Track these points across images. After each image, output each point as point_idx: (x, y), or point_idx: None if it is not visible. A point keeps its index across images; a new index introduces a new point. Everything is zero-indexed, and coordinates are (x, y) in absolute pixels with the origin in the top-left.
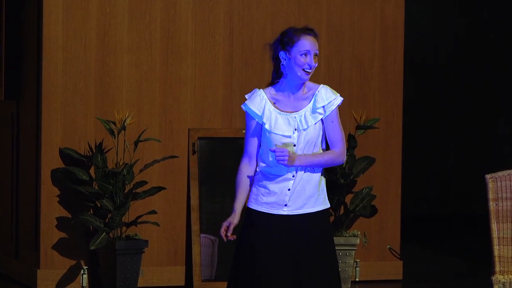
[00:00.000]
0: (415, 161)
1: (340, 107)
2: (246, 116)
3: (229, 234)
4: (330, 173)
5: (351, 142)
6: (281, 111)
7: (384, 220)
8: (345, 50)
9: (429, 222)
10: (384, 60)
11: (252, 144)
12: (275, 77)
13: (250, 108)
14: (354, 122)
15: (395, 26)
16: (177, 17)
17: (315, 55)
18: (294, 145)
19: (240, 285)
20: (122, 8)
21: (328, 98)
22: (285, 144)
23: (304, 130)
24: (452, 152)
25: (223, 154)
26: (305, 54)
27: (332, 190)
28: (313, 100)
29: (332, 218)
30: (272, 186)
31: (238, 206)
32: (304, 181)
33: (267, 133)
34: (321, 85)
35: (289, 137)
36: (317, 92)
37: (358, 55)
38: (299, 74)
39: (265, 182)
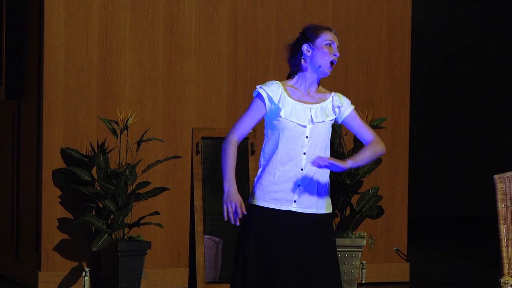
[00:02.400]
0: (423, 161)
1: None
2: (255, 98)
3: (243, 210)
4: (336, 173)
5: (357, 142)
6: (297, 100)
7: (391, 221)
8: (351, 48)
9: (437, 223)
10: (391, 59)
11: (247, 125)
12: (293, 72)
13: (266, 91)
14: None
15: (402, 24)
16: (181, 15)
17: (338, 47)
18: (307, 137)
19: (249, 284)
20: (124, 5)
21: (345, 100)
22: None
23: (320, 123)
24: (460, 152)
25: None
26: (330, 45)
27: (338, 191)
28: (330, 99)
29: (338, 219)
30: (281, 181)
31: (232, 173)
32: (313, 176)
33: (279, 121)
34: (335, 92)
35: (304, 126)
36: (333, 95)
37: (364, 53)
38: (324, 64)
39: (272, 178)
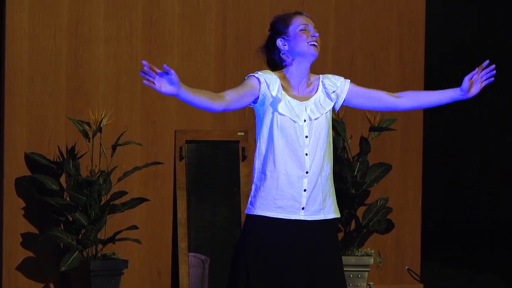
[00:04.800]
0: (437, 168)
1: (350, 107)
2: (249, 78)
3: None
4: (339, 182)
5: (363, 146)
6: (292, 96)
7: (402, 236)
8: (357, 40)
9: (454, 238)
10: (402, 52)
11: (237, 93)
12: (278, 69)
13: (264, 77)
14: (367, 123)
15: (415, 12)
16: (162, 1)
17: (314, 28)
18: (306, 137)
19: None
20: None
21: (337, 79)
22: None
23: (316, 119)
24: (478, 158)
25: (215, 160)
26: (305, 29)
27: (342, 202)
28: (320, 87)
29: (341, 234)
30: (286, 186)
31: (185, 86)
32: (318, 178)
33: (277, 118)
34: (323, 75)
35: (301, 126)
36: (321, 80)
37: (372, 46)
38: (305, 49)
39: (276, 183)
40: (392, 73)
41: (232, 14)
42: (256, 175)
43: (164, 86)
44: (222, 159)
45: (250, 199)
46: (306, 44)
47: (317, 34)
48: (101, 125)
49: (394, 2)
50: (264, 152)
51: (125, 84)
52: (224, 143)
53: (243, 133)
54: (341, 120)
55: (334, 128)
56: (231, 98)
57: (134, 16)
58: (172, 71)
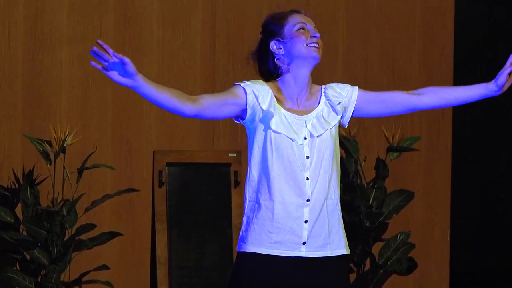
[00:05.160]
0: (468, 195)
1: (365, 122)
2: (234, 87)
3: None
4: (351, 212)
5: (380, 169)
6: (288, 110)
7: (426, 278)
8: (372, 42)
9: (488, 278)
10: (426, 55)
11: (215, 99)
12: (273, 78)
13: (252, 88)
14: (385, 142)
15: (442, 7)
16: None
17: (315, 28)
18: (307, 157)
19: None
20: None
21: (342, 88)
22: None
23: (318, 136)
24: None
25: (201, 186)
26: (302, 28)
27: (354, 237)
28: (323, 99)
29: (353, 276)
30: (283, 218)
31: (146, 79)
32: (322, 207)
33: (270, 136)
34: (325, 85)
35: (301, 145)
36: (323, 90)
37: (390, 48)
38: (304, 52)
39: (271, 214)
40: (415, 77)
41: (223, 10)
42: (247, 205)
43: (116, 75)
44: (211, 186)
45: (241, 233)
46: (305, 45)
47: (318, 34)
48: (65, 145)
49: None
50: (256, 177)
51: (94, 95)
52: (212, 166)
53: (235, 155)
54: (353, 139)
55: (345, 148)
56: (207, 104)
57: (105, 13)
58: (127, 60)
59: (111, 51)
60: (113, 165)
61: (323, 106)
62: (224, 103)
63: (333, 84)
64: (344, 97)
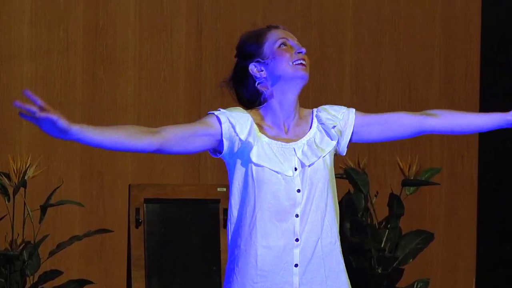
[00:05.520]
0: (496, 236)
1: (377, 151)
2: (207, 116)
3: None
4: (360, 257)
5: (394, 206)
6: (273, 138)
7: None
8: (385, 56)
9: None
10: (448, 74)
11: (182, 130)
12: (255, 105)
13: (227, 117)
14: (400, 175)
15: (466, 19)
16: (111, 2)
17: (298, 42)
18: (298, 191)
19: None
20: None
21: (337, 110)
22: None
23: (310, 165)
24: None
25: (185, 226)
26: (284, 44)
27: (364, 285)
28: (315, 123)
29: None
30: (268, 263)
31: (85, 127)
32: (316, 248)
33: (251, 170)
34: (317, 108)
35: (290, 177)
36: (315, 114)
37: (406, 66)
38: (290, 72)
39: (254, 260)
40: (434, 101)
41: (210, 21)
42: (229, 252)
43: (46, 129)
44: (197, 225)
45: (224, 285)
46: (290, 64)
47: (303, 49)
48: (26, 178)
49: (438, 3)
50: (236, 219)
51: None
52: (198, 203)
53: (224, 189)
54: (363, 171)
55: (353, 182)
56: (170, 136)
57: (73, 23)
58: (54, 118)
59: (39, 102)
60: (82, 201)
61: (315, 131)
62: (193, 134)
63: (327, 106)
64: (340, 119)
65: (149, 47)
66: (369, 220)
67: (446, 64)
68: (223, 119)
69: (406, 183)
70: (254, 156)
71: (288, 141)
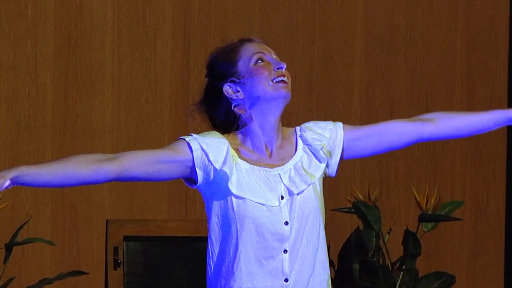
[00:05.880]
0: None
1: (390, 181)
2: (177, 141)
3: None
4: None
5: (409, 245)
6: (255, 164)
7: None
8: (399, 73)
9: None
10: (471, 94)
11: (145, 157)
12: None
13: (199, 143)
14: (416, 209)
15: (492, 28)
16: (85, 13)
17: (276, 57)
18: (286, 223)
19: None
20: None
21: (324, 128)
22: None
23: (299, 193)
24: None
25: (171, 267)
26: (261, 60)
27: None
28: (300, 144)
29: None
30: None
31: (25, 169)
32: (309, 287)
33: (232, 203)
34: (299, 126)
35: (276, 208)
36: (299, 133)
37: (424, 82)
38: (270, 91)
39: None
40: None
41: (198, 33)
42: None
43: None
44: (183, 266)
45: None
46: (270, 83)
47: (283, 65)
48: None
49: (460, 7)
50: (217, 257)
51: (27, 145)
52: (186, 241)
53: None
54: (374, 204)
55: (362, 217)
56: (130, 162)
57: (42, 37)
58: None
59: None
60: (52, 239)
61: (301, 154)
62: (158, 161)
63: (310, 124)
64: (328, 138)
65: (129, 64)
66: (381, 260)
67: (469, 81)
68: (194, 146)
69: (423, 218)
70: (233, 186)
71: (272, 166)
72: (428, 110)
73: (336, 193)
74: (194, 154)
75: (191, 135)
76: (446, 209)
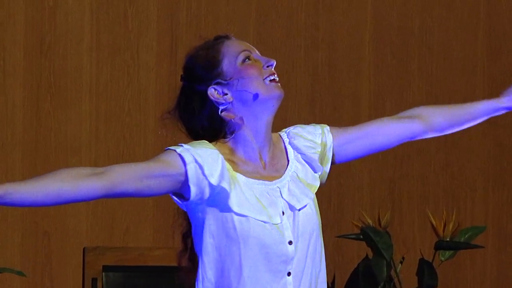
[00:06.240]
0: None
1: (402, 204)
2: (166, 152)
3: None
4: None
5: (425, 276)
6: (251, 176)
7: None
8: (413, 83)
9: None
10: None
11: (135, 171)
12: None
13: (193, 154)
14: (432, 235)
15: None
16: (60, 14)
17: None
18: (290, 243)
19: None
20: None
21: (314, 133)
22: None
23: (302, 209)
24: None
25: None
26: (248, 58)
27: None
28: (291, 153)
29: None
30: None
31: (8, 186)
32: None
33: (234, 222)
34: (283, 131)
35: (279, 225)
36: (288, 140)
37: (440, 93)
38: (265, 91)
39: None
40: (478, 138)
41: (187, 37)
42: None
43: None
44: None
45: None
46: (259, 78)
47: (272, 62)
48: None
49: (481, 12)
50: (209, 282)
51: None
52: (172, 271)
53: None
54: (385, 230)
55: (372, 244)
56: (121, 179)
57: (10, 40)
58: None
59: None
60: (23, 269)
61: (295, 164)
62: (149, 175)
63: (297, 130)
64: (320, 145)
65: (109, 71)
66: None
67: (491, 92)
68: (187, 158)
69: (440, 245)
70: (234, 204)
71: (270, 178)
72: None
73: (341, 217)
74: (187, 167)
75: (181, 146)
76: (466, 236)
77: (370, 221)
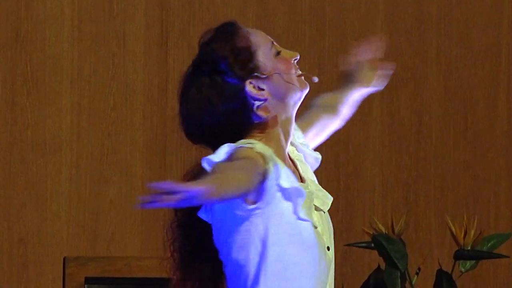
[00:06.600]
0: None
1: (420, 209)
2: (246, 152)
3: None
4: None
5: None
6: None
7: None
8: (430, 74)
9: None
10: None
11: (248, 176)
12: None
13: (267, 157)
14: (451, 243)
15: None
16: (36, 8)
17: None
18: (328, 249)
19: None
20: None
21: (296, 129)
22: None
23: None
24: None
25: None
26: (279, 53)
27: None
28: (292, 150)
29: None
30: None
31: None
32: None
33: (293, 228)
34: None
35: (317, 230)
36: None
37: (460, 85)
38: (299, 88)
39: None
40: (501, 135)
41: (180, 24)
42: None
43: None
44: None
45: None
46: (294, 74)
47: (298, 56)
48: None
49: (506, 8)
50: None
51: None
52: (162, 284)
53: None
54: (399, 238)
55: (384, 253)
56: (247, 181)
57: None
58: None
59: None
60: (2, 281)
61: (300, 164)
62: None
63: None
64: (304, 135)
65: (92, 62)
66: None
67: None
68: (269, 162)
69: (461, 255)
70: (300, 208)
71: (302, 178)
72: (466, 121)
73: (351, 223)
74: (267, 171)
75: (250, 144)
76: (489, 244)
77: (382, 228)
